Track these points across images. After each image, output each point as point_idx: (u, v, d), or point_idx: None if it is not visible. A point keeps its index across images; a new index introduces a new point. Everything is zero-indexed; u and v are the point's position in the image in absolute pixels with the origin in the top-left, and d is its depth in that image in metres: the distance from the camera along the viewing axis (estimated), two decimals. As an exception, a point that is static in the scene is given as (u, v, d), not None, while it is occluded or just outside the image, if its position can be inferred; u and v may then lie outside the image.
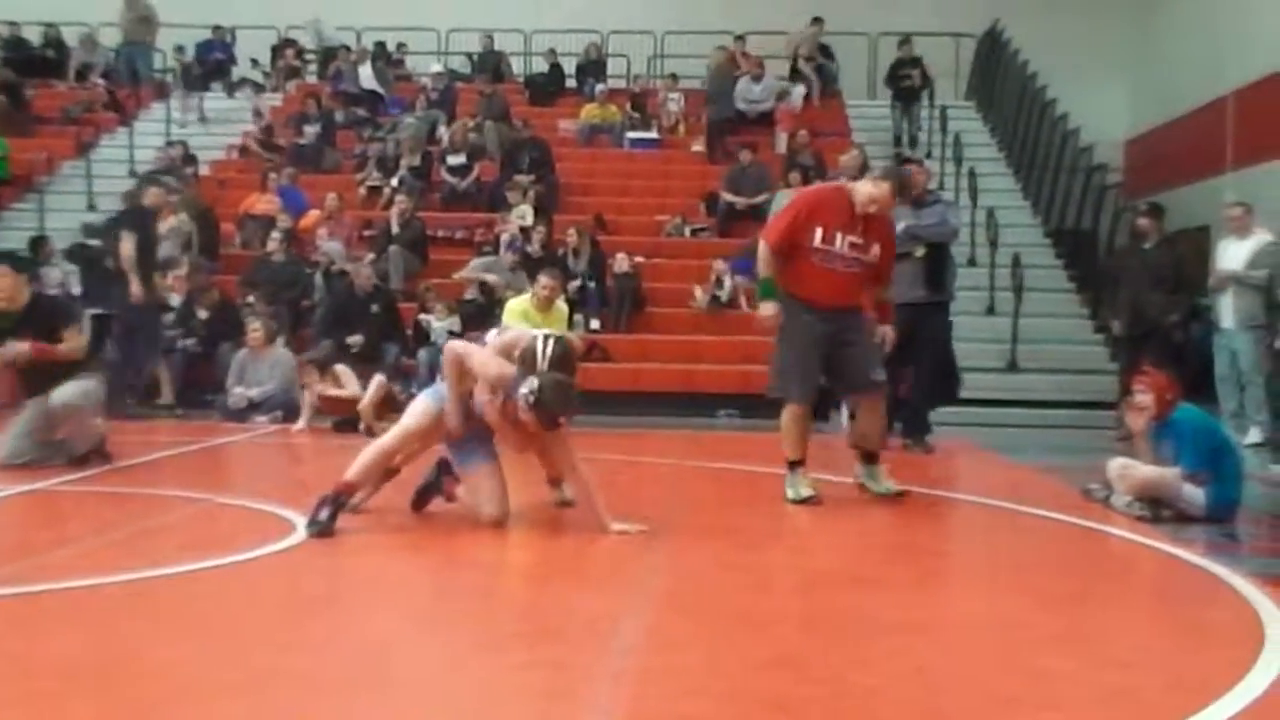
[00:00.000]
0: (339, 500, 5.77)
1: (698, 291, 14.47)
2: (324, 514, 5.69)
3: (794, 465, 7.02)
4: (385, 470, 6.32)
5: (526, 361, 5.79)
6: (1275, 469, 9.58)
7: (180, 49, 20.75)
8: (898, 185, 7.06)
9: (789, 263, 6.94)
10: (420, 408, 6.15)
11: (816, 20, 20.09)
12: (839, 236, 6.87)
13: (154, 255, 12.39)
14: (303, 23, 21.35)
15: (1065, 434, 11.87)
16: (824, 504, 6.92)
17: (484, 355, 5.96)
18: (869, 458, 7.26)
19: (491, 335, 6.47)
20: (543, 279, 9.43)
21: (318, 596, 4.77)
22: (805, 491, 6.95)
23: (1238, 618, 4.54)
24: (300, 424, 11.05)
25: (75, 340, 8.26)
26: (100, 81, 20.10)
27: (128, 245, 11.90)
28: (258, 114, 19.04)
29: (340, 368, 11.27)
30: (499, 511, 6.07)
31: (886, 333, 7.14)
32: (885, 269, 7.13)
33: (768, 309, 7.04)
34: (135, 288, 11.83)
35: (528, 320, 10.04)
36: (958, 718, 3.38)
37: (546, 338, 5.92)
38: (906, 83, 18.79)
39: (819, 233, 6.86)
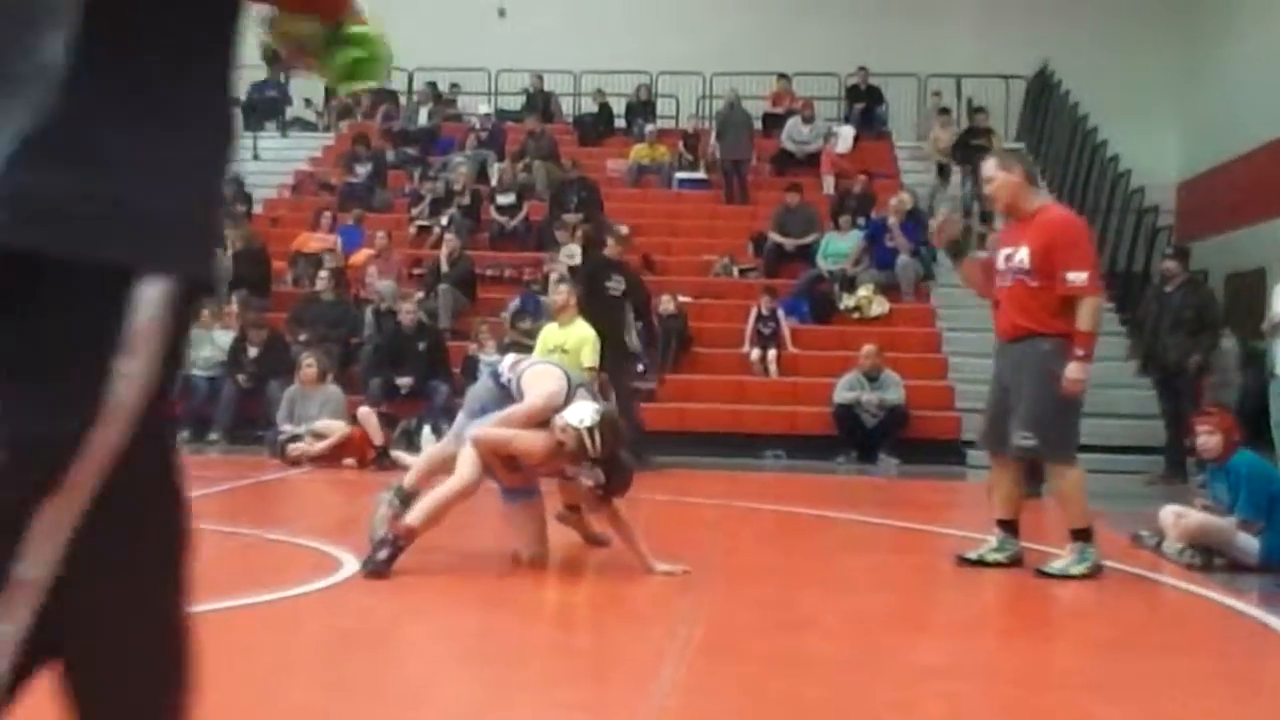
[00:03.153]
0: (398, 544, 5.74)
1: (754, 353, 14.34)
2: (382, 554, 5.68)
3: (1087, 533, 6.23)
4: (406, 496, 6.29)
5: (578, 452, 5.76)
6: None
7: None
8: (1001, 161, 6.54)
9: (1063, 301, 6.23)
10: (469, 454, 6.02)
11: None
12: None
13: None
14: None
15: (1114, 479, 11.74)
16: (869, 546, 6.83)
17: (523, 439, 5.87)
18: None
19: (508, 362, 6.42)
20: (560, 286, 10.11)
21: (359, 634, 4.79)
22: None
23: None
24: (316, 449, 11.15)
25: None
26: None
27: None
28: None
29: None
30: (540, 552, 6.07)
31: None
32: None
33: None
34: None
35: (548, 340, 10.21)
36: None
37: (589, 430, 5.73)
38: (979, 154, 18.18)
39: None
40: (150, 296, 1.70)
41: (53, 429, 1.69)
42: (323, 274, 14.57)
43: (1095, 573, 6.11)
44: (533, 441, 5.85)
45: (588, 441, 5.71)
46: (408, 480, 6.39)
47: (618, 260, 11.87)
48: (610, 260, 11.93)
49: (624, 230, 12.14)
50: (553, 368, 6.38)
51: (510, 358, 6.66)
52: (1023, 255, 6.22)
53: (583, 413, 5.81)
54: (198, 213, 1.79)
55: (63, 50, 1.66)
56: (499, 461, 5.91)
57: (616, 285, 11.59)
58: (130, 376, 1.71)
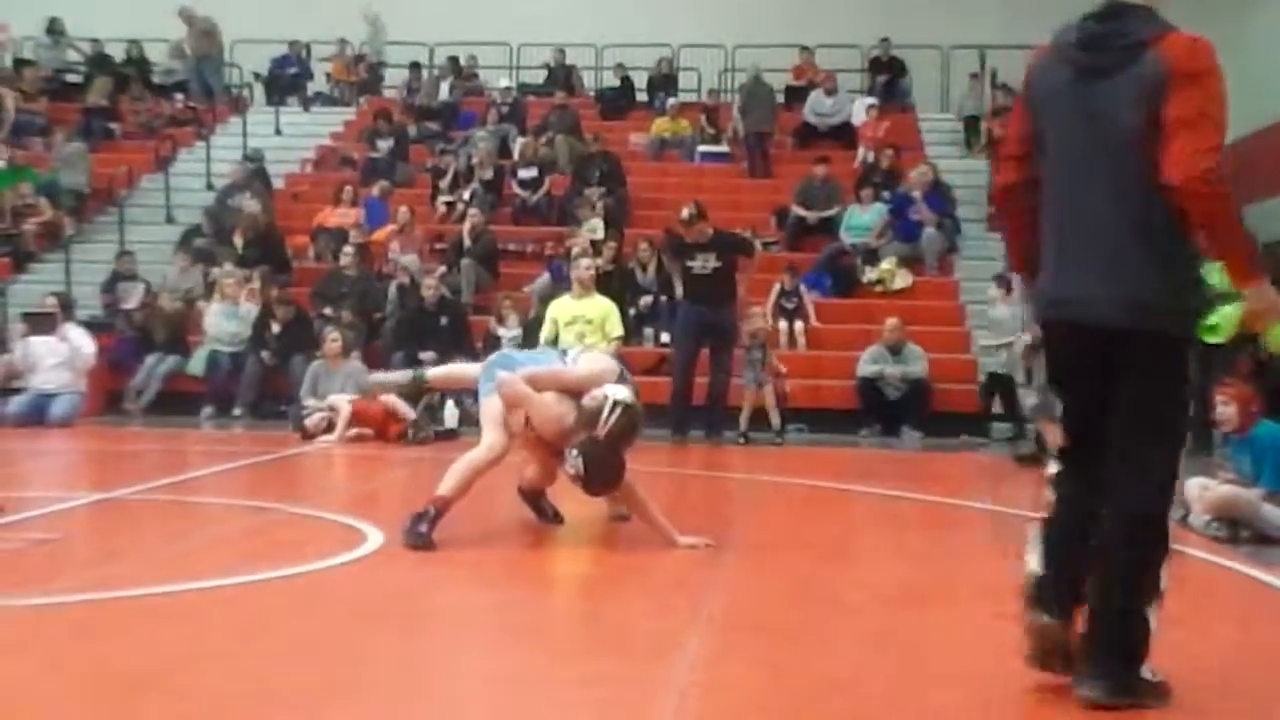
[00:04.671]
0: (435, 515, 5.74)
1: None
2: (423, 527, 5.67)
3: None
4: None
5: (588, 420, 5.67)
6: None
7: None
8: None
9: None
10: (493, 415, 6.01)
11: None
12: None
13: None
14: (363, 15, 21.46)
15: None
16: (892, 520, 6.83)
17: (544, 404, 5.84)
18: None
19: (572, 356, 6.34)
20: (583, 260, 10.37)
21: (383, 607, 4.80)
22: None
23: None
24: (334, 436, 11.14)
25: None
26: (179, 96, 20.46)
27: None
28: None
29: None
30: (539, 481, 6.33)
31: None
32: None
33: None
34: None
35: (562, 311, 10.25)
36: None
37: (615, 404, 5.70)
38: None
39: None
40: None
41: None
42: (348, 249, 14.59)
43: None
44: (549, 409, 5.83)
45: (604, 412, 5.64)
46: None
47: (694, 237, 11.81)
48: (687, 242, 11.91)
49: (685, 213, 12.04)
50: (612, 361, 6.37)
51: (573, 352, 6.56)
52: None
53: (620, 392, 5.80)
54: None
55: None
56: (510, 414, 5.89)
57: (704, 264, 11.62)
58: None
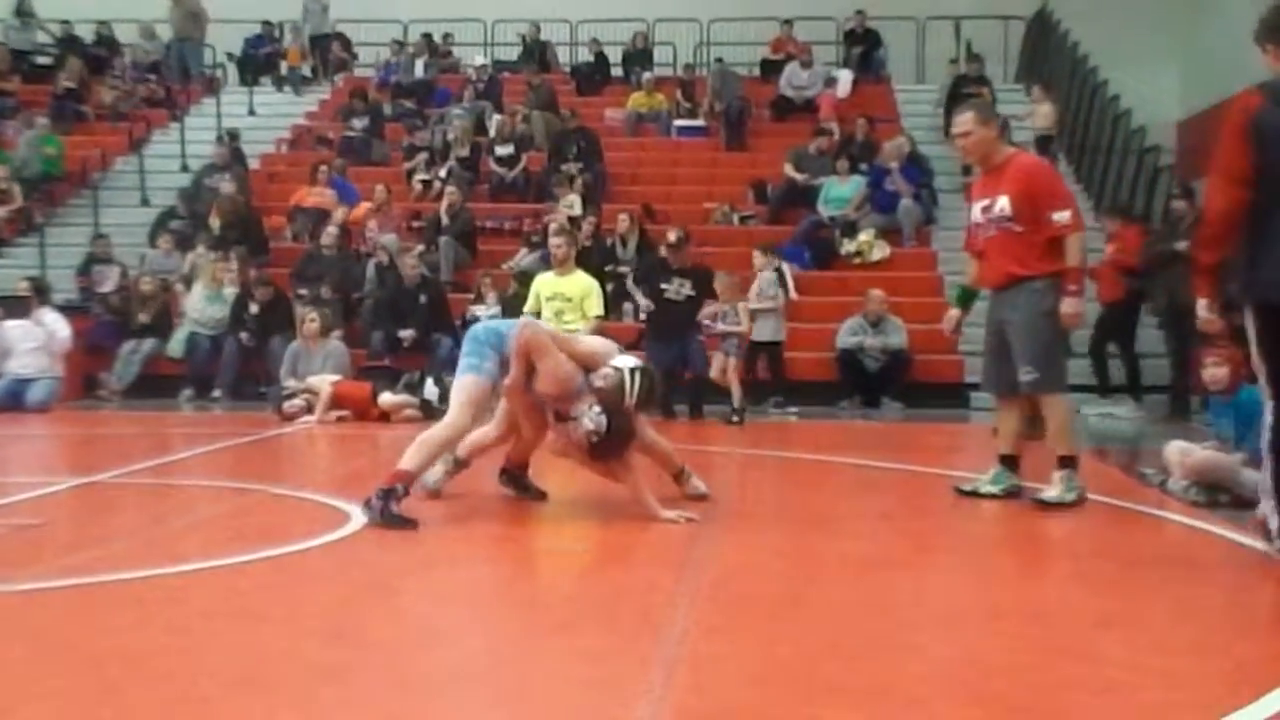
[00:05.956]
0: (403, 491, 5.75)
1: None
2: (394, 506, 5.67)
3: (1074, 461, 6.45)
4: (457, 463, 6.46)
5: (612, 394, 5.80)
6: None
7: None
8: (980, 115, 6.55)
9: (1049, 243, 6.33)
10: (466, 394, 5.99)
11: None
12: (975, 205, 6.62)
13: None
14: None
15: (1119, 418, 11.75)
16: (876, 490, 6.85)
17: (559, 361, 5.86)
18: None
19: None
20: (553, 239, 10.42)
21: (370, 586, 4.80)
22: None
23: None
24: (313, 417, 11.10)
25: None
26: (151, 77, 20.30)
27: None
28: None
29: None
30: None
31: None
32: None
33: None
34: None
35: (545, 286, 10.25)
36: (1011, 703, 3.36)
37: (633, 372, 5.88)
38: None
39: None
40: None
41: None
42: (331, 229, 14.51)
43: (1081, 500, 6.36)
44: (561, 367, 5.85)
45: (628, 383, 5.84)
46: (461, 449, 6.46)
47: (678, 262, 11.65)
48: (667, 262, 11.76)
49: (673, 236, 11.90)
50: (610, 342, 6.47)
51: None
52: (1003, 204, 6.39)
53: (630, 361, 5.99)
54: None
55: None
56: (524, 364, 5.89)
57: (679, 289, 11.48)
58: None
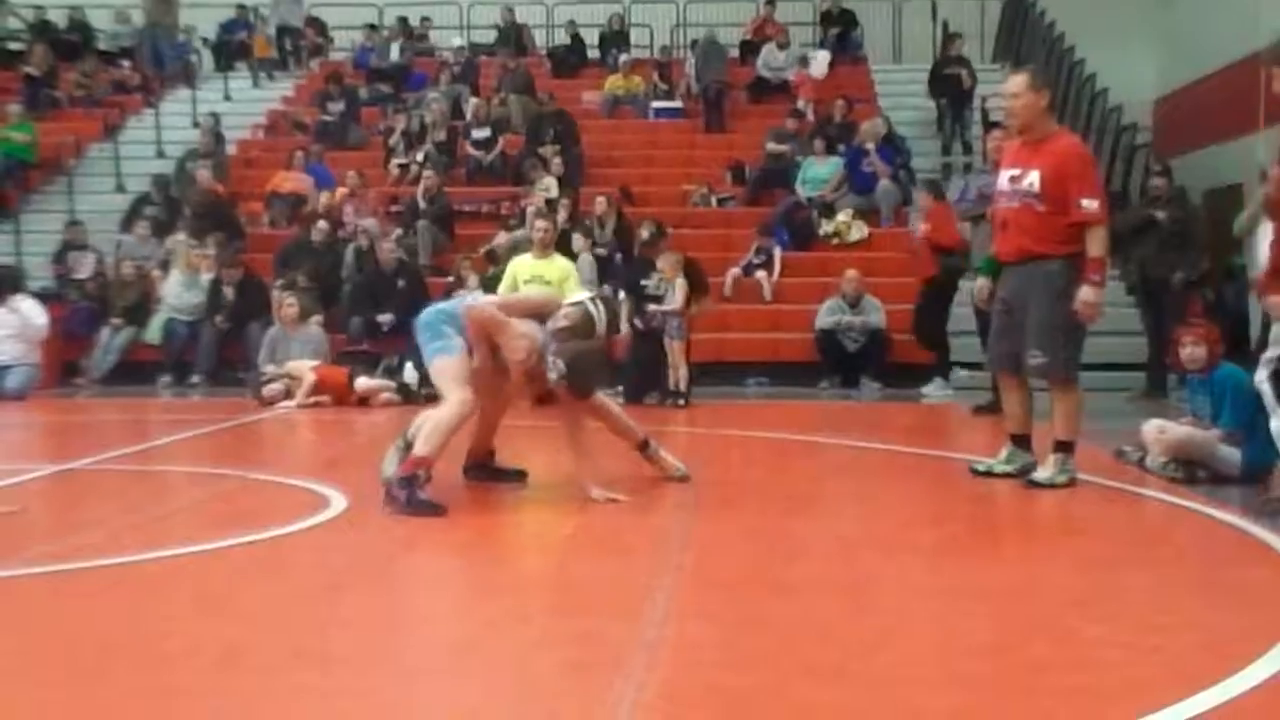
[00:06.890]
0: (426, 477, 5.70)
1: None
2: (419, 493, 5.63)
3: (1071, 447, 6.43)
4: (407, 446, 6.30)
5: (581, 327, 5.80)
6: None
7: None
8: (1034, 80, 6.41)
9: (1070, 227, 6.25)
10: (450, 373, 5.91)
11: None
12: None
13: None
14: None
15: (1096, 397, 11.78)
16: (855, 471, 6.86)
17: (515, 328, 5.81)
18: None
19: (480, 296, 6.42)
20: (538, 222, 10.46)
21: (350, 572, 4.80)
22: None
23: (1275, 578, 4.51)
24: (293, 402, 11.05)
25: None
26: (125, 64, 20.14)
27: None
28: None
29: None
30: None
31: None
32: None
33: None
34: None
35: (523, 269, 10.22)
36: (989, 683, 3.38)
37: (594, 301, 5.93)
38: (955, 84, 17.57)
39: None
40: None
41: None
42: (322, 224, 14.34)
43: (1071, 483, 6.36)
44: (520, 335, 5.81)
45: (593, 311, 5.86)
46: (412, 430, 6.38)
47: (655, 256, 11.51)
48: (648, 259, 11.62)
49: (645, 233, 11.77)
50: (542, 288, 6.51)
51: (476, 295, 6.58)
52: (1033, 179, 6.27)
53: (585, 293, 6.10)
54: None
55: None
56: (484, 344, 5.86)
57: (659, 284, 11.22)
58: None
